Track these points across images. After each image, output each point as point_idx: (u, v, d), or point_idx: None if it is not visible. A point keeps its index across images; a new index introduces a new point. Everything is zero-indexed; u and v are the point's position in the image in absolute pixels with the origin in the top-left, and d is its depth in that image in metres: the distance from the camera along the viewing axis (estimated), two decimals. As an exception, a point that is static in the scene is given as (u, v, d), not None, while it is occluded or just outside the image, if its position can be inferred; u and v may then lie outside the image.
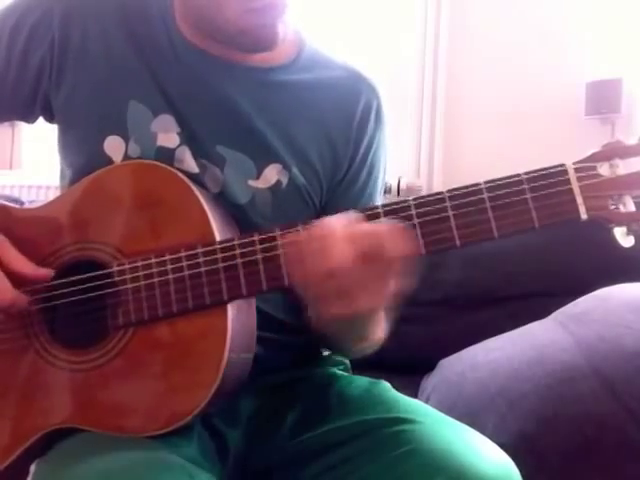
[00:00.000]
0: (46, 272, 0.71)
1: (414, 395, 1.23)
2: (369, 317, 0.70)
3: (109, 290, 0.69)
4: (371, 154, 0.85)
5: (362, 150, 0.84)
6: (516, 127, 2.86)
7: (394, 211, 0.63)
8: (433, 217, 0.62)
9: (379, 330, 0.77)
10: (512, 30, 2.88)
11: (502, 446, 0.69)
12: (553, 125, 2.80)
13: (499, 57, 2.91)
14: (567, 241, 1.43)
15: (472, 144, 2.94)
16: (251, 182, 0.79)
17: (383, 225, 0.60)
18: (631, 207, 0.59)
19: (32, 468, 0.72)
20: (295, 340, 0.87)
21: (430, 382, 1.30)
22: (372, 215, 0.63)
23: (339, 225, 0.60)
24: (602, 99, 2.69)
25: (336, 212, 0.64)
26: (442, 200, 0.62)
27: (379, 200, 0.88)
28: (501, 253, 1.50)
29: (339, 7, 2.96)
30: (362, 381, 0.84)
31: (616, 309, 1.05)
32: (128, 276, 0.68)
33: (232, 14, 0.71)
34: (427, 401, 1.17)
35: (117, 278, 0.69)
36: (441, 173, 3.05)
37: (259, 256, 0.65)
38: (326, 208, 0.83)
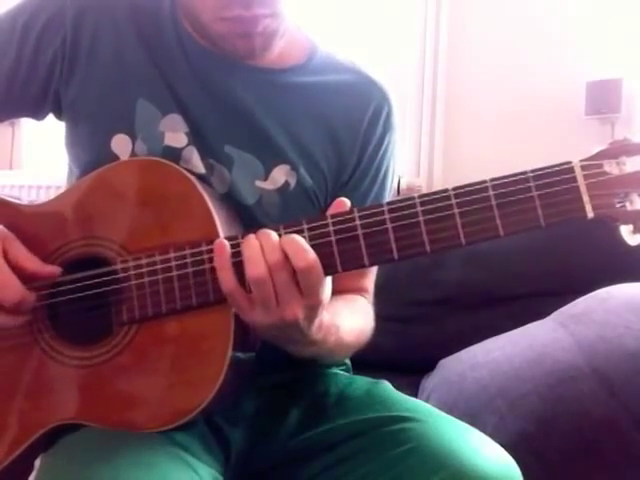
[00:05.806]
0: (53, 269, 0.71)
1: (414, 395, 1.23)
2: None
3: (113, 287, 0.69)
4: (376, 161, 0.85)
5: (367, 156, 0.84)
6: (516, 127, 2.86)
7: (399, 208, 0.62)
8: (438, 215, 0.61)
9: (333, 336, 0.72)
10: (512, 30, 2.88)
11: (502, 446, 0.69)
12: (553, 125, 2.79)
13: (499, 57, 2.91)
14: (567, 241, 1.43)
15: (472, 144, 2.94)
16: (259, 183, 0.79)
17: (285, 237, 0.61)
18: (638, 205, 0.58)
19: (37, 463, 0.72)
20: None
21: (430, 382, 1.30)
22: (376, 213, 0.63)
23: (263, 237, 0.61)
24: (602, 99, 2.69)
25: None
26: (447, 198, 0.61)
27: None
28: (501, 253, 1.50)
29: (339, 7, 2.96)
30: (362, 381, 0.84)
31: (616, 309, 1.05)
32: (132, 273, 0.68)
33: (207, 20, 0.74)
34: (427, 401, 1.17)
35: (121, 275, 0.69)
36: (441, 173, 3.05)
37: None
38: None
